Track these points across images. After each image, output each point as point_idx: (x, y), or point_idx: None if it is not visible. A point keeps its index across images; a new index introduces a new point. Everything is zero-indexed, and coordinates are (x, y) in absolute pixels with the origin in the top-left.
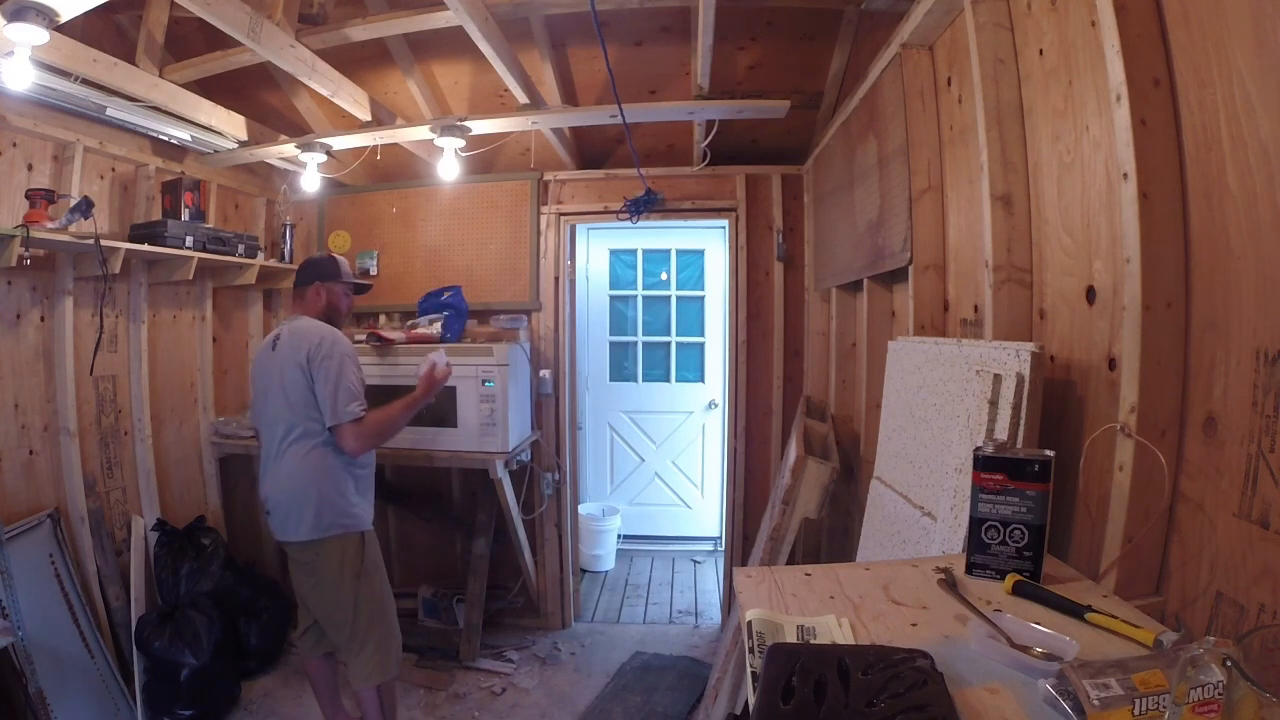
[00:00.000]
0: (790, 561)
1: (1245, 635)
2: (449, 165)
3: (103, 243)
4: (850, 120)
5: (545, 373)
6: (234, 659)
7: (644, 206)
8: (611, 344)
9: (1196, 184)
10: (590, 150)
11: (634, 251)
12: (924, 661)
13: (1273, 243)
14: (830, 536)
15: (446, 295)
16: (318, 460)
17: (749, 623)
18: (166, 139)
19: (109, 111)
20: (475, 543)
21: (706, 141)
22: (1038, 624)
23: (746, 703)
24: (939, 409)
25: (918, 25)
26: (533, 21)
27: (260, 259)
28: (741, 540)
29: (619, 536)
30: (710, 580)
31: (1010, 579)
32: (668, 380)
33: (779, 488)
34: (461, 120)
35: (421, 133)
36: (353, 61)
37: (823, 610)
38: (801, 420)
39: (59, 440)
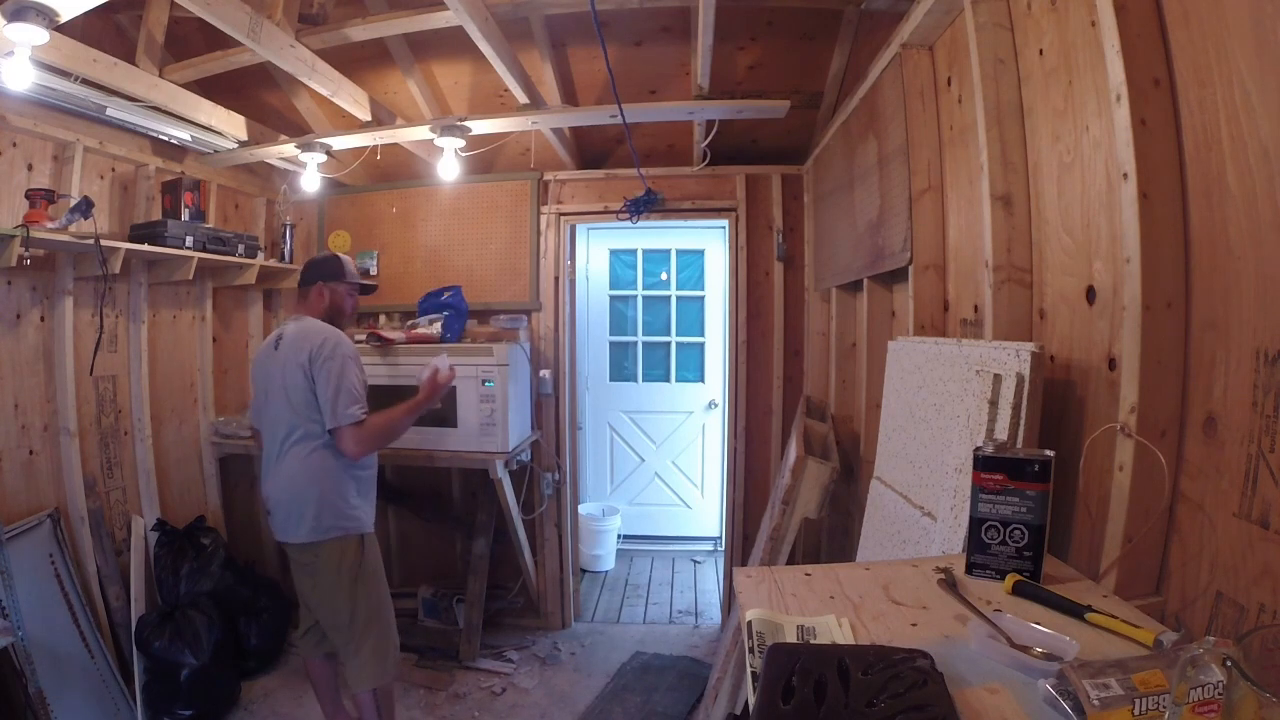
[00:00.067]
0: (790, 561)
1: (1245, 635)
2: (449, 165)
3: (103, 243)
4: (850, 120)
5: (545, 373)
6: (234, 659)
7: (644, 206)
8: (611, 344)
9: (1196, 184)
10: (590, 150)
11: (634, 251)
12: (924, 661)
13: (1273, 243)
14: (830, 536)
15: (446, 295)
16: (318, 462)
17: (749, 623)
18: (166, 139)
19: (109, 111)
20: (475, 543)
21: (706, 141)
22: (1038, 624)
23: (746, 703)
24: (939, 409)
25: (918, 25)
26: (533, 21)
27: (260, 259)
28: (741, 540)
29: (619, 536)
30: (710, 580)
31: (1010, 579)
32: (668, 380)
33: (779, 488)
34: (461, 120)
35: (421, 133)
36: (353, 61)
37: (823, 610)
38: (801, 420)
39: (59, 440)
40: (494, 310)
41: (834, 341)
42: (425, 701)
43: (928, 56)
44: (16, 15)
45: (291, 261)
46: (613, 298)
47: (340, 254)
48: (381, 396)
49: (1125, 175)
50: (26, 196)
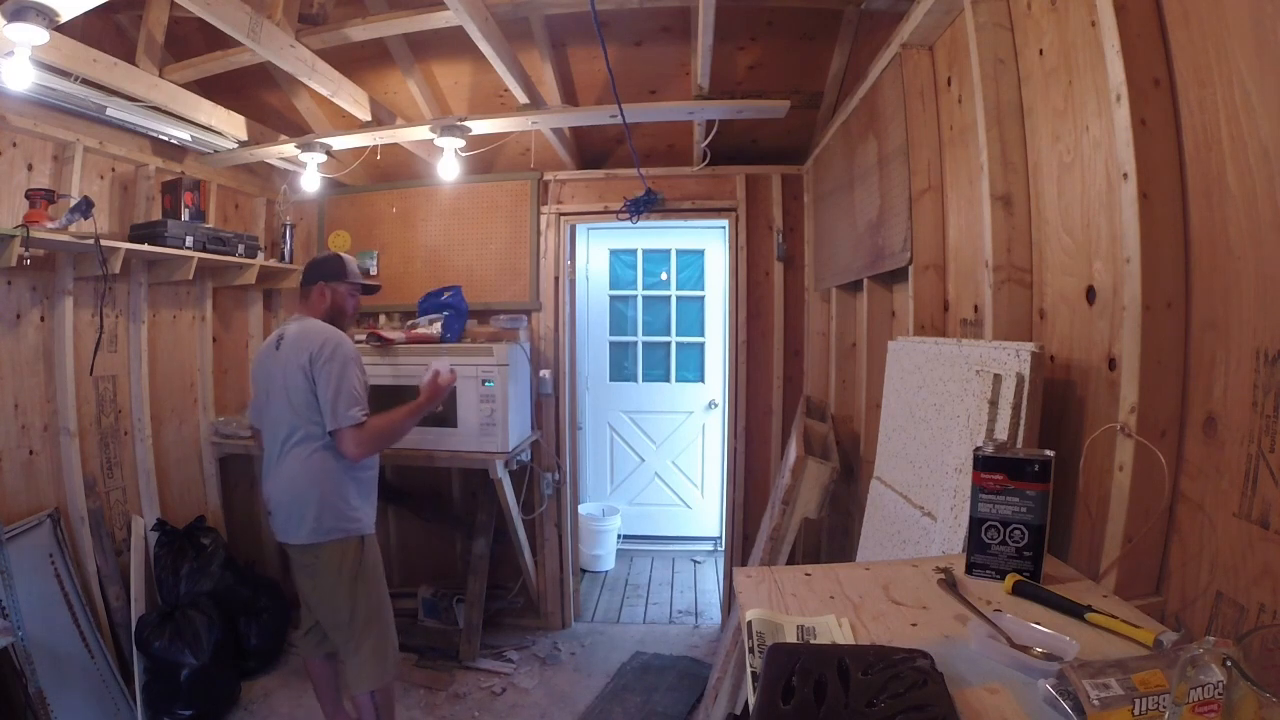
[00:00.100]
0: (790, 561)
1: (1245, 635)
2: (449, 165)
3: (103, 243)
4: (850, 120)
5: (545, 373)
6: (234, 659)
7: (644, 206)
8: (611, 344)
9: (1196, 184)
10: (590, 150)
11: (634, 251)
12: (924, 661)
13: (1273, 243)
14: (830, 536)
15: (446, 295)
16: (318, 464)
17: (749, 623)
18: (166, 139)
19: (109, 111)
20: (475, 543)
21: (706, 141)
22: (1038, 624)
23: (746, 703)
24: (939, 409)
25: (918, 25)
26: (533, 21)
27: (260, 259)
28: (741, 540)
29: (619, 536)
30: (710, 580)
31: (1010, 579)
32: (668, 380)
33: (779, 488)
34: (461, 120)
35: (421, 133)
36: (353, 61)
37: (823, 610)
38: (801, 420)
39: (59, 440)
40: (494, 310)
41: (834, 341)
42: (425, 701)
43: (928, 56)
44: (16, 15)
45: (291, 261)
46: (613, 298)
47: (343, 254)
48: (382, 396)
49: (1125, 175)
50: (26, 196)
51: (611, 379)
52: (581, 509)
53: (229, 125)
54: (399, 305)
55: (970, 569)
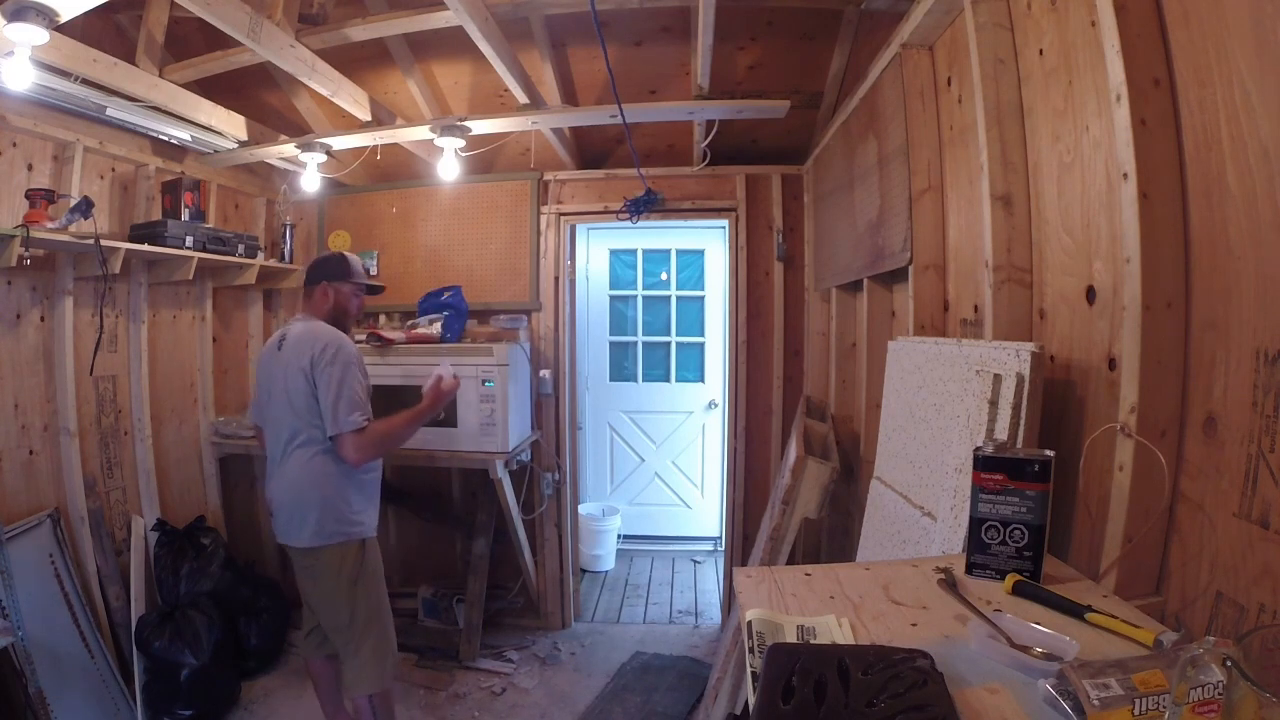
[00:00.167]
0: (790, 561)
1: (1245, 635)
2: (449, 165)
3: (103, 243)
4: (850, 120)
5: (545, 373)
6: (234, 659)
7: (644, 206)
8: (611, 344)
9: (1196, 184)
10: (590, 150)
11: (634, 251)
12: (924, 661)
13: (1273, 243)
14: (830, 536)
15: (446, 295)
16: (320, 467)
17: (749, 623)
18: (166, 139)
19: (109, 111)
20: (475, 543)
21: (706, 141)
22: (1038, 624)
23: (746, 703)
24: (939, 409)
25: (918, 25)
26: (533, 21)
27: (260, 259)
28: (741, 540)
29: (619, 536)
30: (710, 580)
31: (1010, 579)
32: (668, 380)
33: (779, 488)
34: (461, 120)
35: (421, 133)
36: (353, 61)
37: (823, 610)
38: (801, 420)
39: (59, 440)
40: (494, 310)
41: (834, 341)
42: (425, 701)
43: (928, 56)
44: (16, 15)
45: (291, 261)
46: (613, 298)
47: (346, 253)
48: (382, 397)
49: (1125, 175)
50: (26, 196)
51: (611, 379)
52: (581, 509)
53: (229, 125)
54: (399, 305)
55: (970, 569)
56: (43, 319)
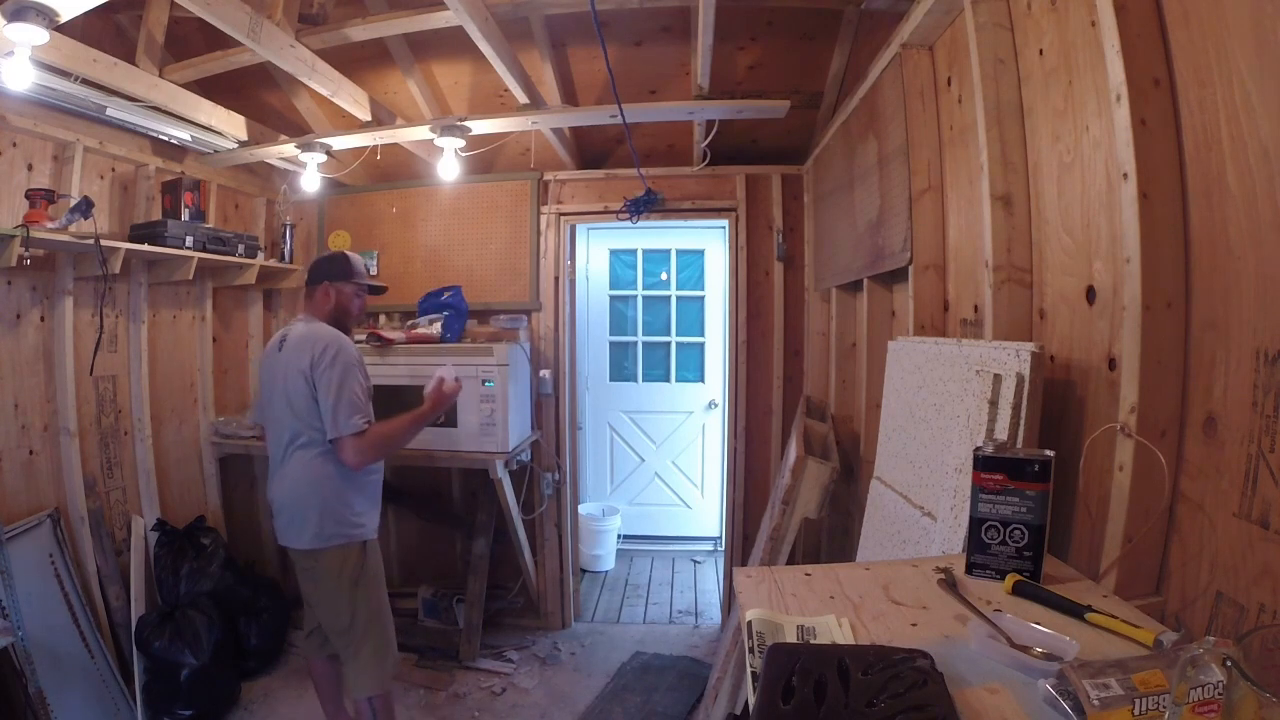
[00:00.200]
0: (790, 561)
1: (1245, 635)
2: (449, 165)
3: (103, 243)
4: (850, 120)
5: (545, 373)
6: (234, 659)
7: (644, 206)
8: (611, 344)
9: (1196, 184)
10: (590, 150)
11: (634, 251)
12: (924, 661)
13: (1273, 243)
14: (830, 536)
15: (446, 295)
16: (320, 469)
17: (749, 623)
18: (166, 139)
19: (109, 111)
20: (475, 543)
21: (706, 141)
22: (1038, 624)
23: (746, 703)
24: (939, 409)
25: (918, 25)
26: (533, 21)
27: (260, 259)
28: (741, 540)
29: (619, 536)
30: (710, 580)
31: (1010, 579)
32: (668, 380)
33: (779, 488)
34: (461, 120)
35: (421, 133)
36: (353, 61)
37: (823, 610)
38: (801, 420)
39: (59, 440)
40: (494, 310)
41: (834, 341)
42: (425, 701)
43: (928, 56)
44: (16, 15)
45: (291, 261)
46: (613, 298)
47: (349, 253)
48: (382, 397)
49: (1125, 175)
50: (26, 196)
51: (611, 379)
52: (581, 509)
53: (229, 125)
54: (399, 305)
55: (970, 569)
56: (43, 319)
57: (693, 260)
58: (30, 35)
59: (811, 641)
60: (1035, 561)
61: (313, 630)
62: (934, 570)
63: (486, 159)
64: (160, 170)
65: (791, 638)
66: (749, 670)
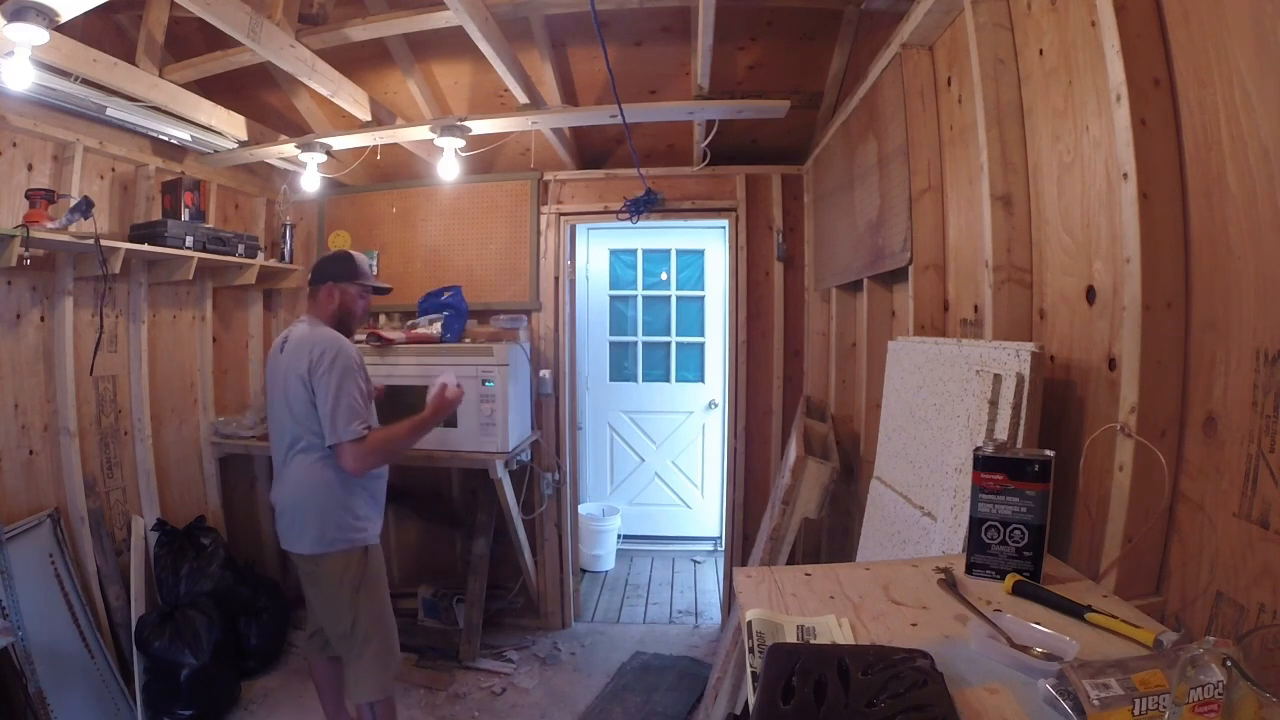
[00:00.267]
0: (790, 561)
1: (1245, 635)
2: (449, 165)
3: (103, 243)
4: (850, 120)
5: (545, 373)
6: (234, 659)
7: (644, 206)
8: (611, 344)
9: (1196, 184)
10: (590, 150)
11: (634, 251)
12: (924, 661)
13: (1273, 243)
14: (830, 536)
15: (446, 295)
16: (320, 474)
17: (749, 623)
18: (166, 139)
19: (109, 111)
20: (475, 543)
21: (706, 141)
22: (1038, 624)
23: (746, 703)
24: (939, 409)
25: (918, 25)
26: (533, 21)
27: (260, 259)
28: (741, 540)
29: (619, 536)
30: (710, 580)
31: (1010, 579)
32: (668, 380)
33: (779, 488)
34: (461, 120)
35: (421, 133)
36: (353, 61)
37: (823, 610)
38: (801, 420)
39: (59, 440)
40: (494, 310)
41: (834, 341)
42: (425, 701)
43: (928, 56)
44: (16, 15)
45: (291, 261)
46: (613, 298)
47: (354, 252)
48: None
49: (1125, 175)
50: (26, 196)
51: (611, 379)
52: (581, 509)
53: (229, 125)
54: (399, 305)
55: (970, 569)
56: (43, 319)
57: (693, 260)
58: (30, 35)
59: (811, 641)
60: (1035, 561)
61: (315, 631)
62: (934, 570)
63: (486, 159)
64: (160, 170)
65: (791, 638)
66: (749, 670)
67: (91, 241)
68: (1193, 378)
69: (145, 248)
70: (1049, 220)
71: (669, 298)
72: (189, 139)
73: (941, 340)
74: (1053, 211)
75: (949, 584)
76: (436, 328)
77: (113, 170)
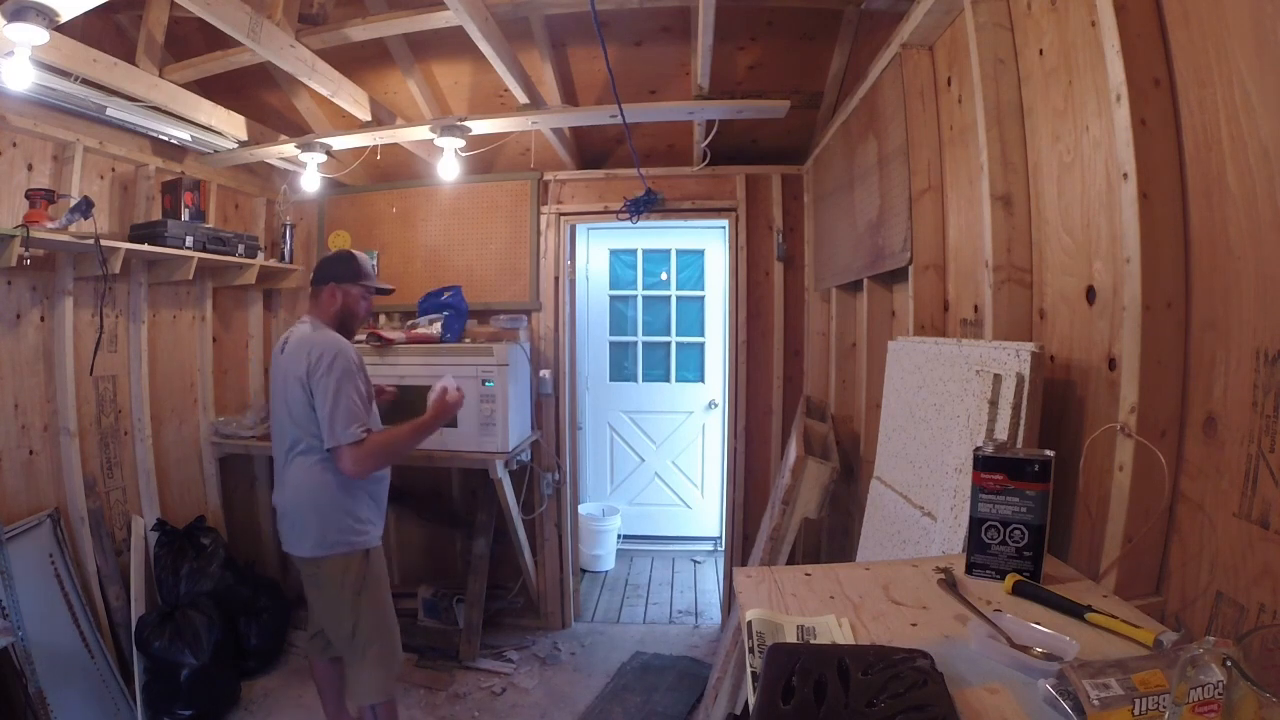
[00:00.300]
0: (790, 561)
1: (1245, 635)
2: (449, 165)
3: (103, 243)
4: (850, 120)
5: (545, 373)
6: (234, 659)
7: (644, 206)
8: (611, 344)
9: (1196, 184)
10: (590, 150)
11: (634, 251)
12: (924, 661)
13: (1273, 243)
14: (830, 536)
15: (446, 295)
16: (320, 476)
17: (749, 623)
18: (166, 139)
19: (109, 111)
20: (475, 543)
21: (706, 141)
22: (1038, 624)
23: (746, 703)
24: (939, 409)
25: (918, 25)
26: (533, 21)
27: (260, 259)
28: (741, 540)
29: (619, 536)
30: (710, 580)
31: (1010, 579)
32: (668, 380)
33: (779, 488)
34: (461, 120)
35: (421, 133)
36: (353, 61)
37: (823, 610)
38: (801, 420)
39: (59, 440)
40: (494, 310)
41: (834, 341)
42: (425, 701)
43: (928, 56)
44: (16, 15)
45: (291, 261)
46: (613, 298)
47: (356, 252)
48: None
49: (1125, 175)
50: (26, 196)
51: (611, 379)
52: (581, 509)
53: (229, 125)
54: (399, 305)
55: (970, 569)
56: (43, 319)
57: (693, 260)
58: (30, 35)
59: (811, 641)
60: (1035, 561)
61: (317, 633)
62: (934, 570)
63: (486, 159)
64: (160, 170)
65: (791, 638)
66: (749, 670)
67: (91, 241)
68: (1193, 378)
69: (145, 248)
70: (1049, 220)
71: (669, 298)
72: (189, 139)
73: (941, 340)
74: (1053, 211)
75: (949, 584)
76: (436, 328)
77: (113, 170)
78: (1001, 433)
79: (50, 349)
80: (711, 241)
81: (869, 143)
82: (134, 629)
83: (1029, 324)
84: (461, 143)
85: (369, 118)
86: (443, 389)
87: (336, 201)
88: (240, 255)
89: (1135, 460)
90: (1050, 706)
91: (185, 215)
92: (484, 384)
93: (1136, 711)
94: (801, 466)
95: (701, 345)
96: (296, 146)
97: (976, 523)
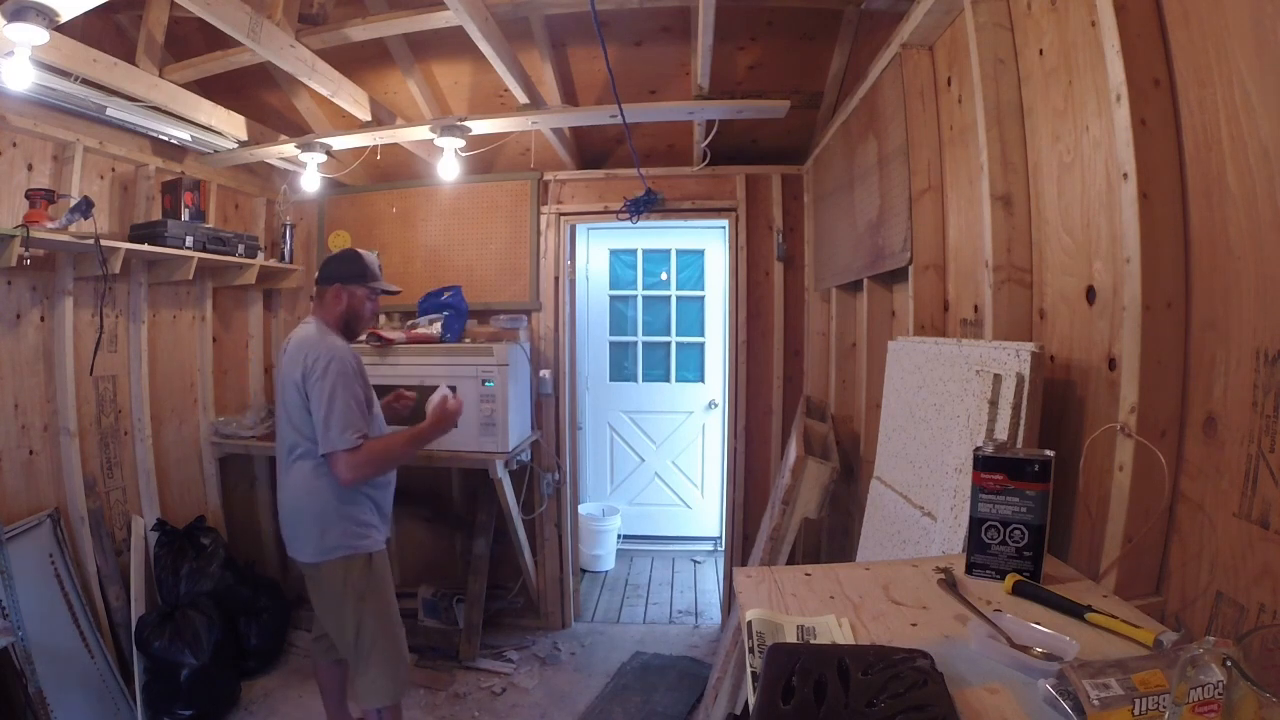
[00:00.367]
0: (790, 561)
1: (1245, 635)
2: (449, 165)
3: (103, 243)
4: (850, 120)
5: (545, 373)
6: (234, 659)
7: (644, 206)
8: (611, 344)
9: (1196, 184)
10: (590, 150)
11: (634, 251)
12: (924, 661)
13: (1273, 243)
14: (830, 536)
15: (446, 295)
16: (318, 481)
17: (749, 623)
18: (166, 139)
19: (109, 111)
20: (475, 543)
21: (706, 141)
22: (1038, 624)
23: (746, 703)
24: (939, 409)
25: (918, 25)
26: (533, 21)
27: (260, 259)
28: (741, 540)
29: (619, 536)
30: (710, 580)
31: (1010, 579)
32: (668, 380)
33: (779, 488)
34: (461, 120)
35: (421, 133)
36: (353, 61)
37: (823, 610)
38: (801, 420)
39: (59, 440)
40: (494, 310)
41: (834, 341)
42: (425, 701)
43: (928, 56)
44: (16, 15)
45: (291, 261)
46: (613, 298)
47: (363, 252)
48: (381, 397)
49: (1125, 175)
50: (26, 196)
51: (611, 379)
52: (581, 509)
53: (229, 125)
54: (399, 305)
55: (970, 569)
56: (43, 319)
57: (693, 260)
58: (30, 35)
59: (811, 641)
60: (1035, 561)
61: (320, 635)
62: (934, 570)
63: (486, 159)
64: (160, 170)
65: (791, 638)
66: (749, 670)
67: (91, 241)
68: (1193, 378)
69: (145, 248)
70: (1049, 220)
71: (669, 298)
72: (189, 139)
73: (941, 340)
74: (1053, 211)
75: (949, 584)
76: (436, 328)
77: (113, 170)
78: (1001, 433)
79: (50, 349)
80: (711, 241)
81: (869, 143)
82: (134, 629)
83: (1029, 324)
84: (461, 143)
85: (369, 118)
86: (443, 398)
87: (336, 201)
88: (240, 255)
89: (1135, 460)
90: (1050, 706)
91: (185, 215)
92: (484, 384)
93: (1136, 711)
94: (801, 466)
95: (701, 345)
96: (296, 146)
97: (976, 523)
